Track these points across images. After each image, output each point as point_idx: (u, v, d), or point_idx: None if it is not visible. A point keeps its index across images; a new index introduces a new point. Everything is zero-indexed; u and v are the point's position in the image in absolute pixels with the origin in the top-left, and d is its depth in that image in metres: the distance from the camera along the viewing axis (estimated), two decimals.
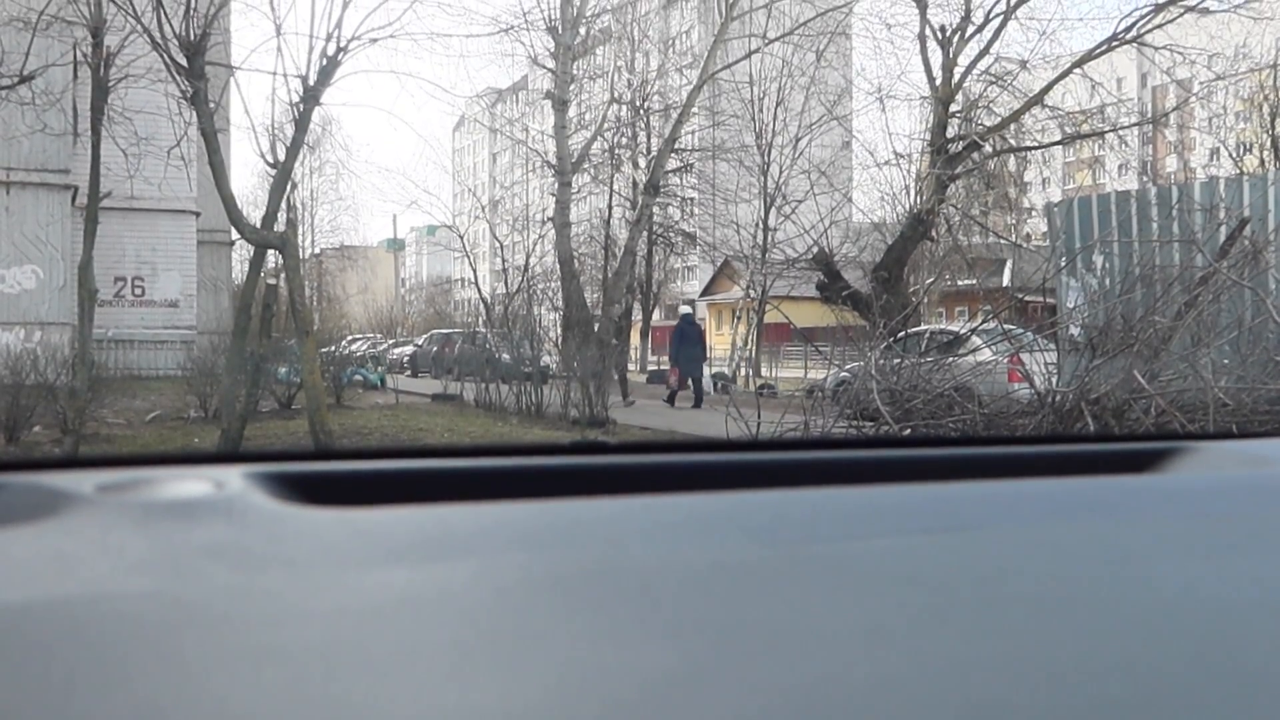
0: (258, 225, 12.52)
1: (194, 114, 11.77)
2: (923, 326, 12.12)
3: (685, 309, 18.96)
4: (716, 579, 0.63)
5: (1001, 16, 16.82)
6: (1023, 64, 17.79)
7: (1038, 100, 17.08)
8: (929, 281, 22.36)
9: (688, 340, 17.16)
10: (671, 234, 40.65)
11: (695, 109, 25.52)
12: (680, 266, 51.72)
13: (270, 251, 12.84)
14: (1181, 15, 15.91)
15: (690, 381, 16.66)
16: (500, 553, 0.66)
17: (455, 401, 18.60)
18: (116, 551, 0.62)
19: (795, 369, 29.34)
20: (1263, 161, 26.30)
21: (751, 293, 29.52)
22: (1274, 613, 0.61)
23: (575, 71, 25.23)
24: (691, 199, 38.96)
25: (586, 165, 28.17)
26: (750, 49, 22.57)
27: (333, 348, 19.78)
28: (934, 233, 18.11)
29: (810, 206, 24.49)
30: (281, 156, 12.73)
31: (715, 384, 23.03)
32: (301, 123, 12.56)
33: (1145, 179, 31.56)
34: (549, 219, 27.00)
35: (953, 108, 17.06)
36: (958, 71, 16.89)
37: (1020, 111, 17.32)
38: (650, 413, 15.68)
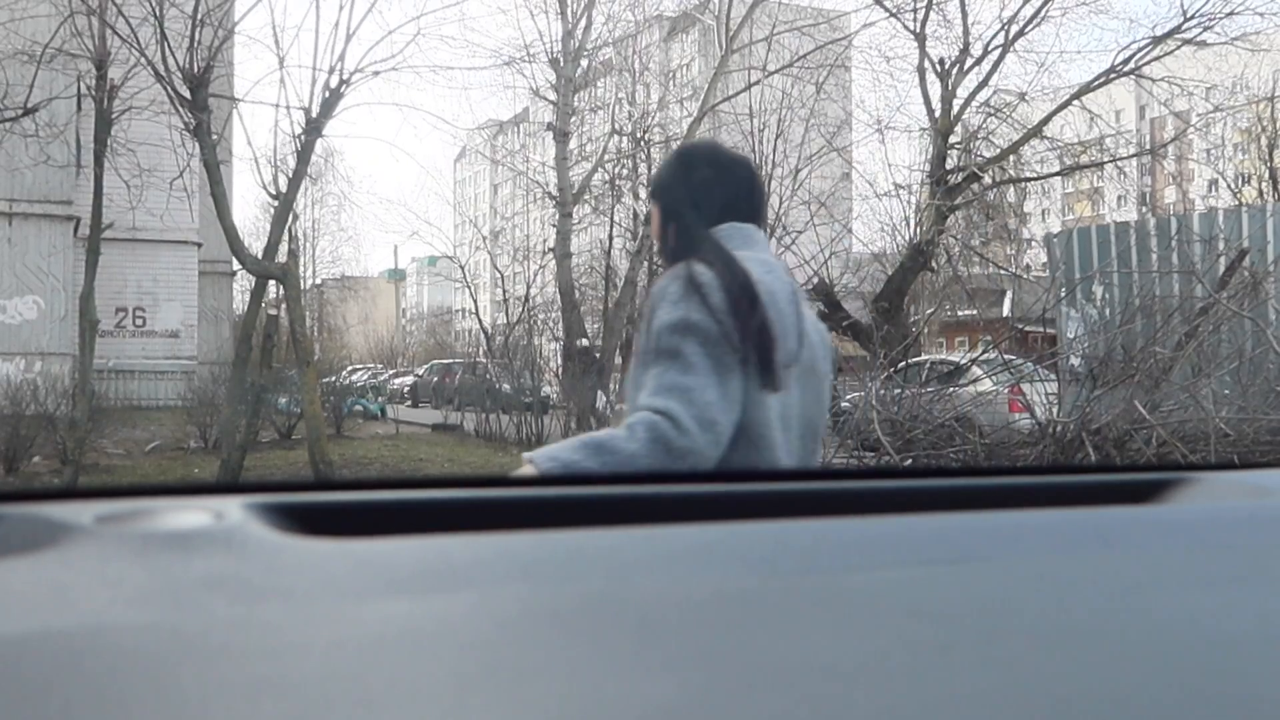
0: (259, 256, 12.56)
1: (197, 146, 11.84)
2: (923, 357, 12.12)
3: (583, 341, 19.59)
4: (717, 610, 0.62)
5: (1000, 49, 16.94)
6: (1021, 96, 17.89)
7: (1036, 132, 17.16)
8: (929, 312, 22.35)
9: (582, 371, 17.86)
10: None
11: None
12: None
13: (271, 282, 12.88)
14: (1179, 48, 16.02)
15: (589, 407, 17.00)
16: (500, 584, 0.66)
17: (456, 432, 18.61)
18: (115, 583, 0.62)
19: None
20: (1261, 193, 26.39)
21: None
22: (1276, 645, 0.61)
23: (576, 103, 25.39)
24: None
25: (587, 196, 28.29)
26: (750, 81, 22.73)
27: (333, 378, 19.82)
28: (934, 263, 18.14)
29: (810, 237, 24.53)
30: (283, 188, 12.80)
31: None
32: (304, 154, 12.63)
33: (1144, 210, 31.68)
34: (550, 250, 27.09)
35: (952, 139, 17.14)
36: (957, 103, 16.98)
37: (1019, 143, 17.40)
38: None
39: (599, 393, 17.09)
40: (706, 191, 2.07)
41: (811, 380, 2.01)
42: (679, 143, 23.19)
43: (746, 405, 1.85)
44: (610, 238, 37.24)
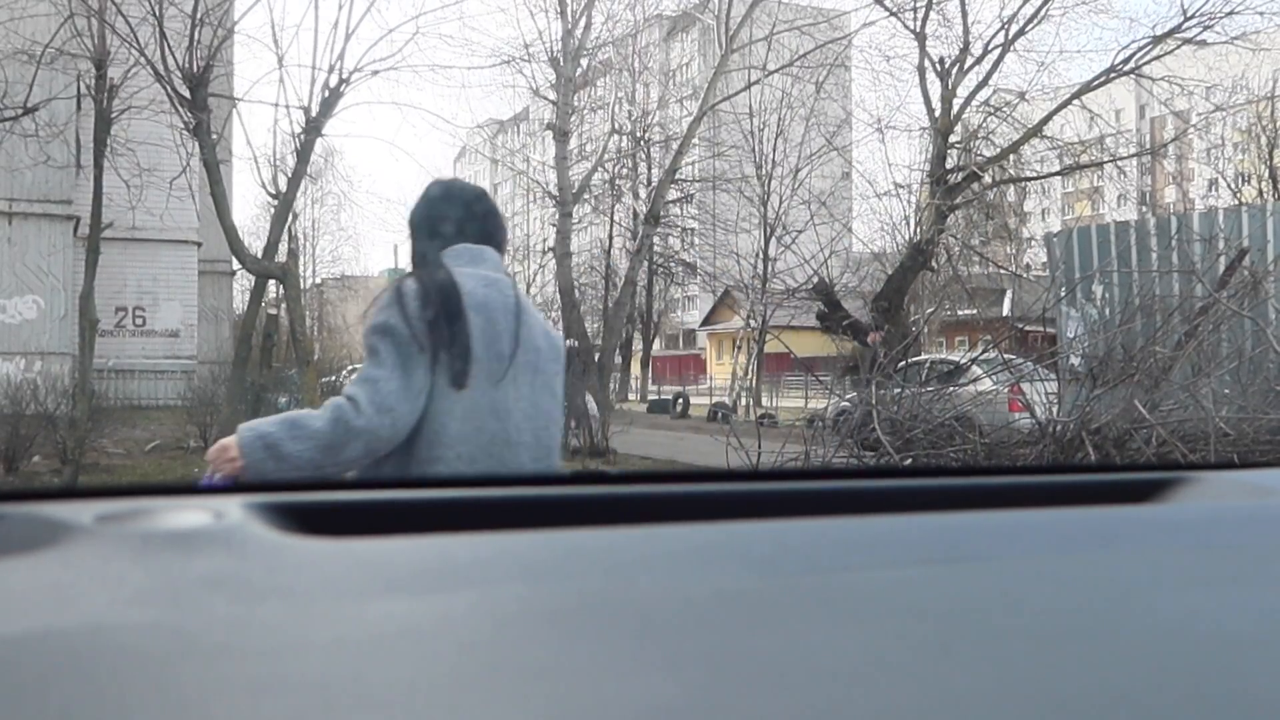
0: (259, 255, 12.58)
1: (196, 145, 11.86)
2: (923, 356, 12.12)
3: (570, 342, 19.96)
4: (717, 609, 0.62)
5: (1000, 48, 16.95)
6: (1021, 95, 17.89)
7: (1036, 131, 17.16)
8: (929, 311, 22.38)
9: (570, 370, 18.04)
10: (672, 264, 40.80)
11: (695, 140, 25.65)
12: (680, 296, 51.86)
13: (271, 281, 12.89)
14: (1179, 47, 16.02)
15: (577, 406, 17.17)
16: (500, 583, 0.66)
17: None
18: (115, 582, 0.62)
19: (796, 398, 29.34)
20: (1261, 192, 26.42)
21: (752, 322, 29.58)
22: (1276, 644, 0.61)
23: (576, 103, 25.36)
24: (692, 229, 39.12)
25: (587, 196, 28.31)
26: (750, 80, 22.70)
27: (333, 377, 19.80)
28: (934, 263, 18.15)
29: (810, 236, 24.57)
30: (283, 187, 12.81)
31: (716, 413, 23.03)
32: (303, 154, 12.65)
33: (1144, 209, 31.69)
34: (550, 249, 27.09)
35: (952, 138, 17.14)
36: (957, 103, 16.98)
37: (1019, 142, 17.41)
38: (651, 443, 15.67)
39: (586, 394, 17.26)
40: (441, 220, 2.44)
41: (538, 378, 2.36)
42: (678, 142, 23.22)
43: (433, 396, 2.19)
44: (610, 237, 37.28)
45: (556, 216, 22.35)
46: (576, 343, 19.71)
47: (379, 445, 2.15)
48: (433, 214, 2.46)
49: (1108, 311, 8.88)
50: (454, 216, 2.44)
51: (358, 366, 2.47)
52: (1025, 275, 26.05)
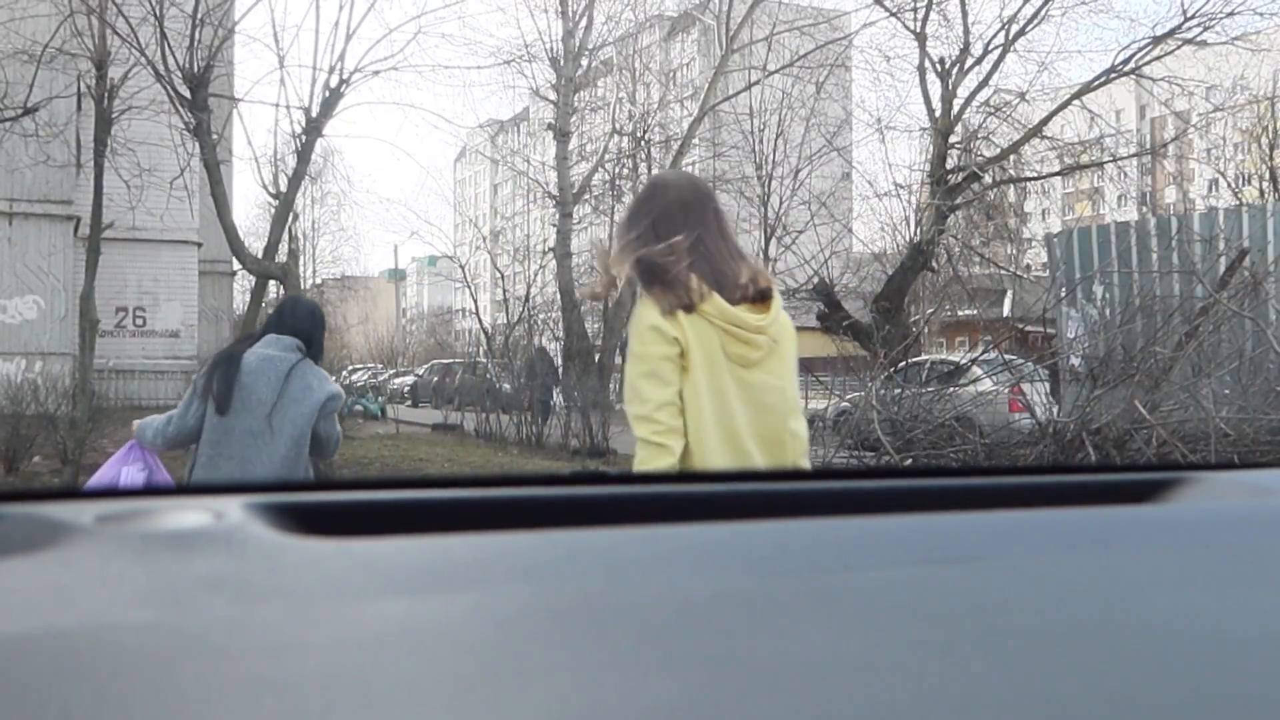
0: (259, 256, 12.57)
1: (197, 145, 11.85)
2: (923, 356, 12.12)
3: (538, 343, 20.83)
4: (717, 610, 0.62)
5: (1000, 49, 16.93)
6: (1022, 95, 17.88)
7: (1037, 131, 17.15)
8: (929, 312, 22.36)
9: (536, 371, 18.33)
10: None
11: (696, 140, 25.67)
12: None
13: (271, 282, 12.88)
14: (1179, 47, 16.02)
15: (542, 403, 17.42)
16: (500, 584, 0.66)
17: (455, 432, 18.61)
18: (115, 583, 0.62)
19: None
20: (1262, 192, 26.42)
21: None
22: (1277, 645, 0.61)
23: (577, 103, 25.38)
24: None
25: (588, 196, 28.28)
26: (750, 81, 22.72)
27: (333, 378, 19.78)
28: (934, 263, 18.14)
29: (811, 237, 24.56)
30: (284, 188, 12.81)
31: None
32: (304, 154, 12.64)
33: (1145, 210, 31.68)
34: (550, 250, 27.08)
35: (952, 139, 17.13)
36: (957, 103, 16.97)
37: (1020, 143, 17.39)
38: None
39: (553, 390, 17.44)
40: (269, 319, 4.11)
41: (291, 410, 3.70)
42: (678, 142, 23.22)
43: (206, 417, 3.68)
44: (611, 237, 37.23)
45: (557, 217, 22.37)
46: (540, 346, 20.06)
47: (172, 439, 3.81)
48: (271, 316, 4.16)
49: (1108, 312, 8.88)
50: (274, 317, 4.04)
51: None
52: (1026, 276, 26.07)
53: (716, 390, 2.27)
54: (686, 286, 2.26)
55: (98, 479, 3.94)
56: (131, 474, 3.72)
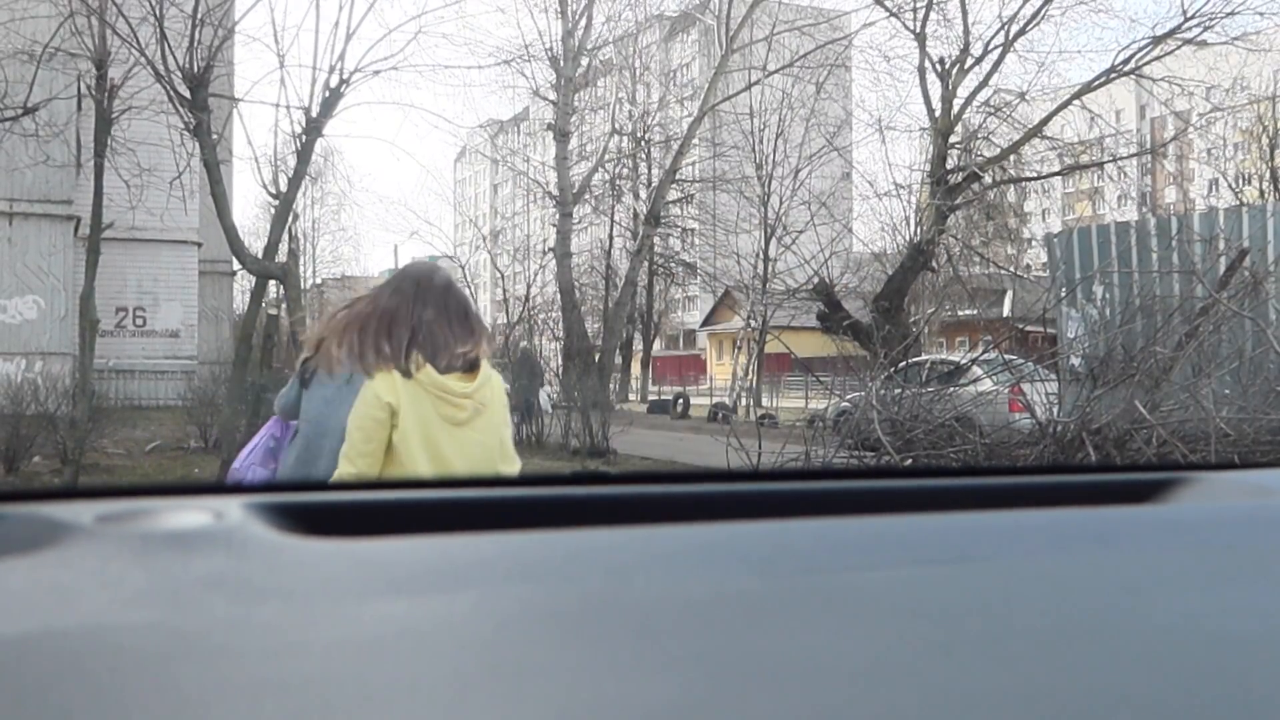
0: (259, 256, 12.57)
1: (197, 145, 11.86)
2: (923, 356, 12.12)
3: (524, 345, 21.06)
4: (718, 610, 0.62)
5: (1000, 49, 16.95)
6: (1021, 95, 17.89)
7: (1037, 131, 17.16)
8: (930, 312, 22.37)
9: (522, 373, 18.59)
10: (672, 264, 40.80)
11: (696, 140, 25.68)
12: (681, 296, 51.89)
13: (271, 282, 12.88)
14: (1179, 47, 16.02)
15: (526, 403, 17.60)
16: (500, 584, 0.66)
17: None
18: (115, 583, 0.62)
19: (796, 399, 29.36)
20: (1262, 192, 26.44)
21: (752, 323, 29.58)
22: (1276, 644, 0.61)
23: (576, 103, 25.39)
24: (692, 229, 39.13)
25: (587, 196, 28.31)
26: (750, 81, 22.73)
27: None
28: (934, 263, 18.15)
29: (810, 237, 24.58)
30: (284, 187, 12.82)
31: (716, 414, 23.03)
32: (304, 154, 12.65)
33: (1145, 210, 31.69)
34: (550, 249, 27.09)
35: (952, 139, 17.14)
36: (957, 103, 16.98)
37: (1020, 143, 17.41)
38: (651, 443, 15.67)
39: (538, 392, 17.51)
40: None
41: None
42: (678, 142, 23.22)
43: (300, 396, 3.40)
44: (610, 237, 37.26)
45: (557, 217, 22.38)
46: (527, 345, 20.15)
47: (281, 410, 3.62)
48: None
49: (1108, 312, 8.88)
50: None
51: None
52: (1025, 276, 26.07)
53: (430, 441, 2.82)
54: (400, 359, 2.83)
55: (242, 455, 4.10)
56: (264, 443, 3.91)
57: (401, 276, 3.11)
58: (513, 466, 3.10)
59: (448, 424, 2.83)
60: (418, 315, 2.88)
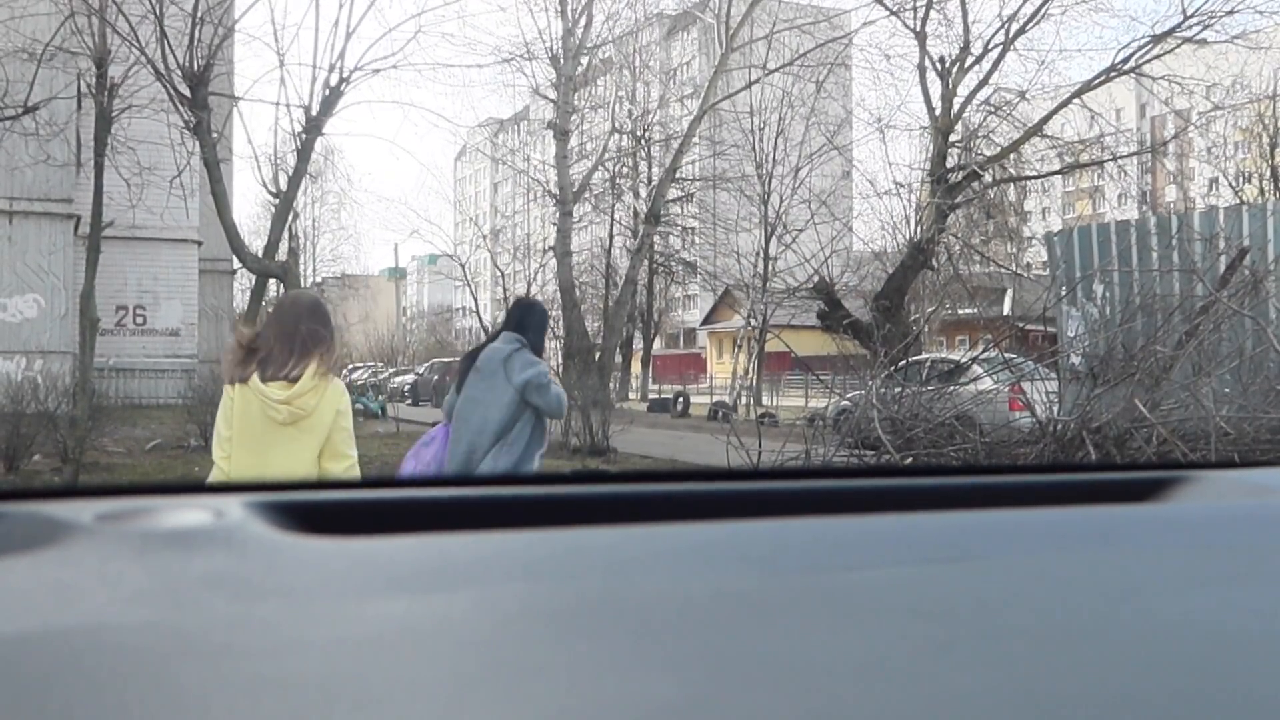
0: (259, 254, 12.57)
1: (197, 144, 11.85)
2: (924, 355, 12.11)
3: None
4: (718, 609, 0.62)
5: (1000, 47, 16.94)
6: (1022, 94, 17.88)
7: (1037, 130, 17.15)
8: (930, 310, 22.37)
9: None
10: (672, 263, 40.78)
11: (696, 139, 25.65)
12: (681, 295, 51.87)
13: (272, 280, 12.88)
14: (1180, 46, 16.01)
15: None
16: (500, 582, 0.66)
17: None
18: (115, 581, 0.62)
19: (796, 397, 29.36)
20: (1262, 191, 26.42)
21: (752, 321, 29.57)
22: (1276, 643, 0.61)
23: (577, 102, 25.36)
24: (692, 228, 39.12)
25: (587, 195, 28.28)
26: (751, 79, 22.70)
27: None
28: (934, 262, 18.14)
29: (811, 235, 24.57)
30: (284, 186, 12.82)
31: (716, 412, 23.03)
32: (304, 152, 12.65)
33: (1145, 208, 31.66)
34: (550, 248, 27.06)
35: (952, 137, 17.13)
36: (957, 102, 16.97)
37: (1020, 141, 17.40)
38: (651, 441, 15.67)
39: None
40: (505, 318, 5.21)
41: (501, 386, 4.80)
42: (678, 141, 23.21)
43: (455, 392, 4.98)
44: (610, 236, 37.25)
45: (557, 215, 22.35)
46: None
47: (445, 410, 5.06)
48: (505, 316, 5.28)
49: (1108, 311, 8.88)
50: (509, 318, 5.13)
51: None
52: (1026, 274, 26.03)
53: (253, 434, 3.57)
54: (238, 368, 3.61)
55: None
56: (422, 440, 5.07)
57: (276, 304, 4.12)
58: (338, 464, 3.69)
59: (272, 422, 3.55)
60: (264, 337, 3.66)
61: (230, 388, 3.64)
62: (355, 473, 3.82)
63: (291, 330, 3.68)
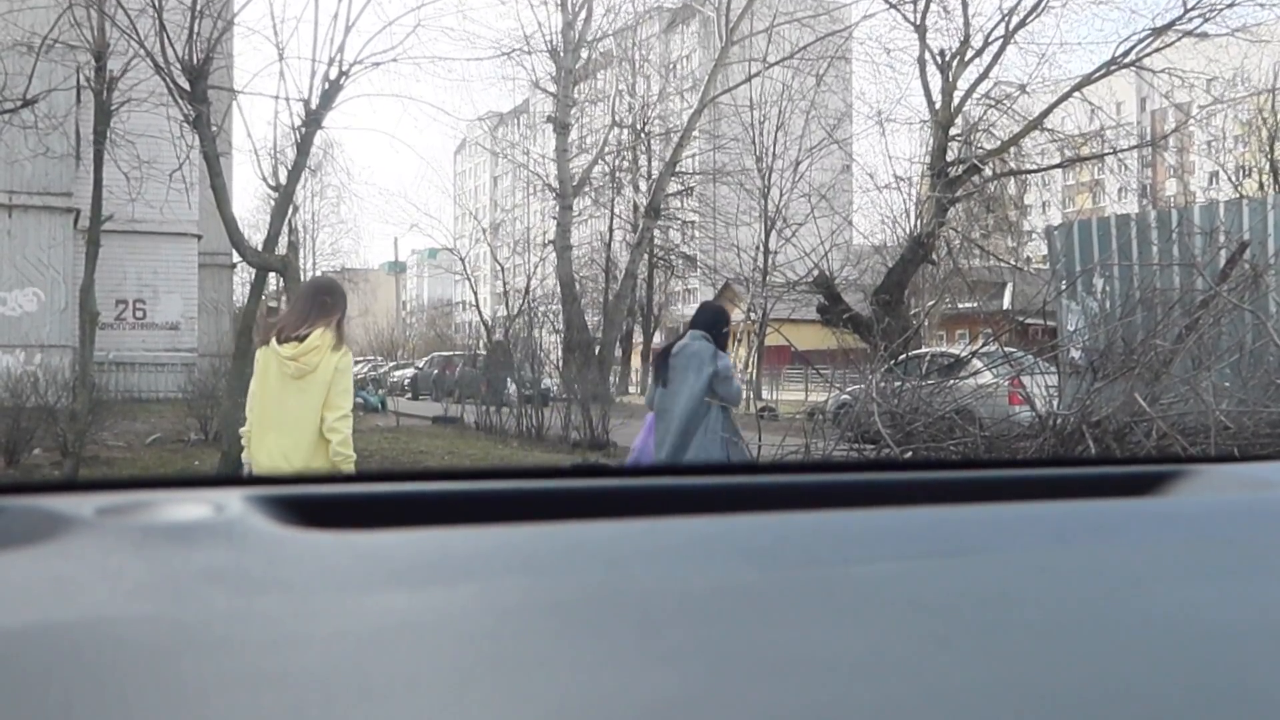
0: (259, 248, 12.55)
1: (196, 137, 11.82)
2: (924, 349, 12.11)
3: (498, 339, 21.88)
4: (717, 603, 0.62)
5: (1000, 40, 16.91)
6: (1022, 88, 17.85)
7: (1037, 124, 17.13)
8: (930, 304, 22.36)
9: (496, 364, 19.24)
10: (672, 257, 40.76)
11: (696, 132, 25.64)
12: (681, 289, 51.84)
13: (272, 274, 12.87)
14: (1180, 39, 15.99)
15: (494, 394, 18.19)
16: (501, 576, 0.66)
17: (456, 424, 18.61)
18: (115, 575, 0.62)
19: (796, 391, 29.34)
20: (1262, 185, 26.37)
21: (752, 315, 29.54)
22: (1276, 637, 0.61)
23: (576, 95, 25.35)
24: (692, 222, 39.09)
25: (587, 188, 28.27)
26: (750, 73, 22.69)
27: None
28: (934, 256, 18.12)
29: (811, 229, 24.53)
30: (283, 180, 12.80)
31: None
32: (303, 146, 12.63)
33: (1145, 202, 31.65)
34: (550, 242, 27.07)
35: (952, 131, 17.10)
36: (957, 95, 16.95)
37: (1020, 135, 17.37)
38: None
39: (508, 381, 17.52)
40: (692, 317, 6.04)
41: (692, 378, 5.56)
42: (678, 134, 23.19)
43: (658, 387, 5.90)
44: (610, 230, 37.23)
45: (557, 209, 22.36)
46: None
47: (647, 404, 6.05)
48: (692, 316, 5.98)
49: (1108, 305, 8.88)
50: (695, 317, 5.88)
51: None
52: (1026, 268, 26.02)
53: (277, 390, 4.30)
54: (265, 333, 4.50)
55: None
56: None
57: (301, 284, 4.94)
58: (332, 413, 4.29)
59: (287, 377, 4.27)
60: (285, 308, 4.51)
61: (261, 352, 4.41)
62: (348, 422, 4.37)
63: (307, 301, 4.49)
